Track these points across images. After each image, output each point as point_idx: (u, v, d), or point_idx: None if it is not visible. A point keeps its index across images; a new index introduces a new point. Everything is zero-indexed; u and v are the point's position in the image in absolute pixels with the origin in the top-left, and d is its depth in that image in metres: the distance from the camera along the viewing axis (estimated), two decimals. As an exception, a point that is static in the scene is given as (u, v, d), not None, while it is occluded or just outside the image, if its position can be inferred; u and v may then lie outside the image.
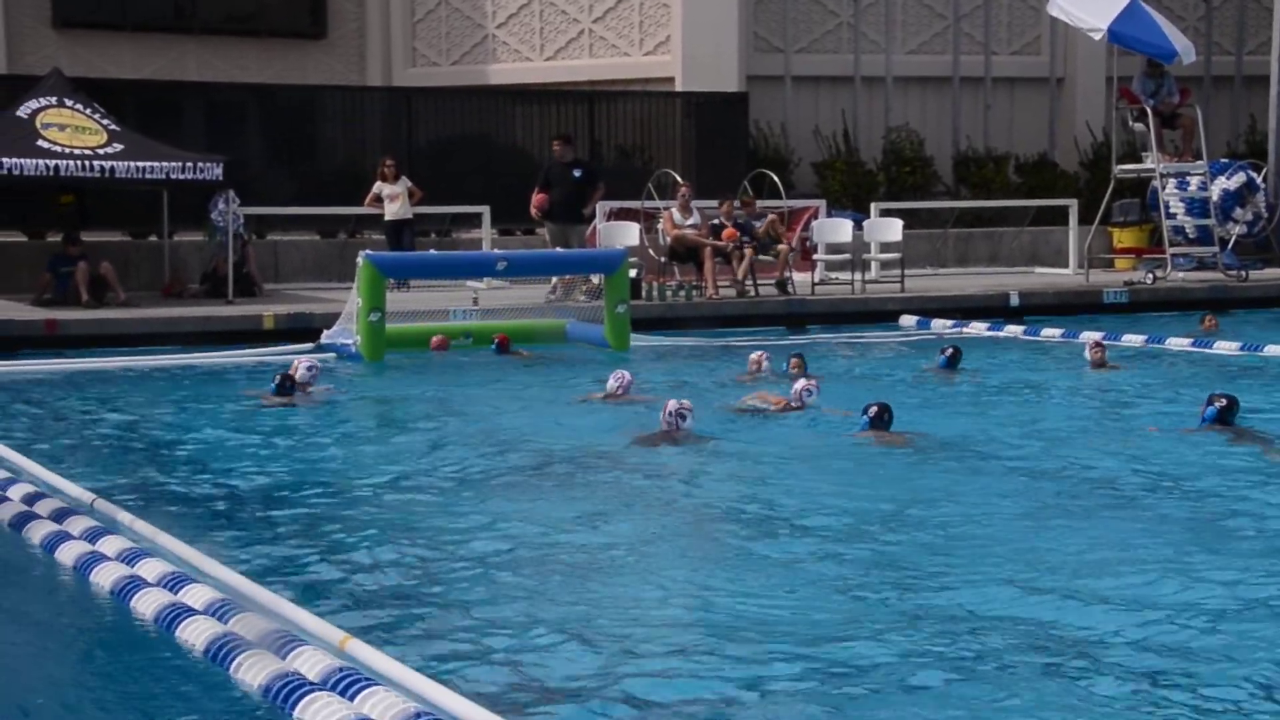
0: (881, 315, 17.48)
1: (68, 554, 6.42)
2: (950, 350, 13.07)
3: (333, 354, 14.28)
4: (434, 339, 14.57)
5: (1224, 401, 9.40)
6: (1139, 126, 20.56)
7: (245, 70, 24.91)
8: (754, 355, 12.62)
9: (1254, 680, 5.03)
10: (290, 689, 4.63)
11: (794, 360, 12.20)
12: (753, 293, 17.75)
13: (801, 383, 10.57)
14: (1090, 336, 14.51)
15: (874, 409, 9.48)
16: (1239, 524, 7.30)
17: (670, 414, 9.42)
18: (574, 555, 6.80)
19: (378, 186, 19.51)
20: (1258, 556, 6.66)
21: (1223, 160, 22.77)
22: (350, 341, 14.15)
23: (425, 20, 25.74)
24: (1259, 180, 22.45)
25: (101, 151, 17.14)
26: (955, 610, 5.83)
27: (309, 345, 14.70)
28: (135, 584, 5.85)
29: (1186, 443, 9.32)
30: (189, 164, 17.43)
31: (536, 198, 17.92)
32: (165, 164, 17.28)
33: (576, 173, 18.15)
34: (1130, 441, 9.58)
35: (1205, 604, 5.89)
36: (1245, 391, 10.40)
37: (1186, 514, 7.53)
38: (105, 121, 17.72)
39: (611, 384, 11.08)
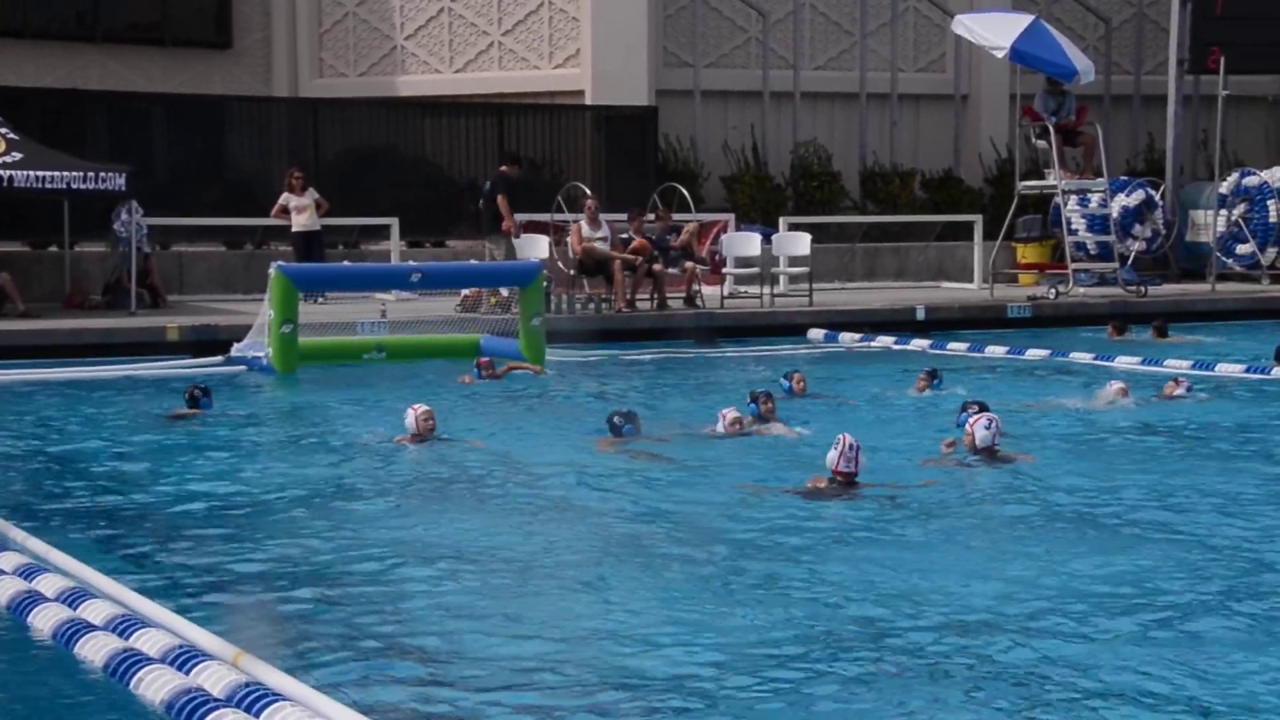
0: (790, 329, 17.63)
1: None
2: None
3: (244, 366, 14.11)
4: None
5: (976, 408, 9.67)
6: (1041, 144, 20.90)
7: (150, 80, 24.53)
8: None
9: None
10: (194, 705, 4.57)
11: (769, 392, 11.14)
12: (657, 306, 17.84)
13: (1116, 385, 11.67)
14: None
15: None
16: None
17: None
18: (479, 571, 6.78)
19: (285, 198, 19.33)
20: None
21: (1123, 178, 23.20)
22: (261, 354, 13.96)
23: (333, 31, 25.53)
24: (1158, 197, 22.91)
25: None
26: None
27: (218, 358, 14.50)
28: (33, 599, 5.75)
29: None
30: (91, 174, 17.18)
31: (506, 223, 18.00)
32: (66, 173, 17.02)
33: (486, 185, 18.57)
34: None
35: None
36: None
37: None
38: (4, 130, 17.40)
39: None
